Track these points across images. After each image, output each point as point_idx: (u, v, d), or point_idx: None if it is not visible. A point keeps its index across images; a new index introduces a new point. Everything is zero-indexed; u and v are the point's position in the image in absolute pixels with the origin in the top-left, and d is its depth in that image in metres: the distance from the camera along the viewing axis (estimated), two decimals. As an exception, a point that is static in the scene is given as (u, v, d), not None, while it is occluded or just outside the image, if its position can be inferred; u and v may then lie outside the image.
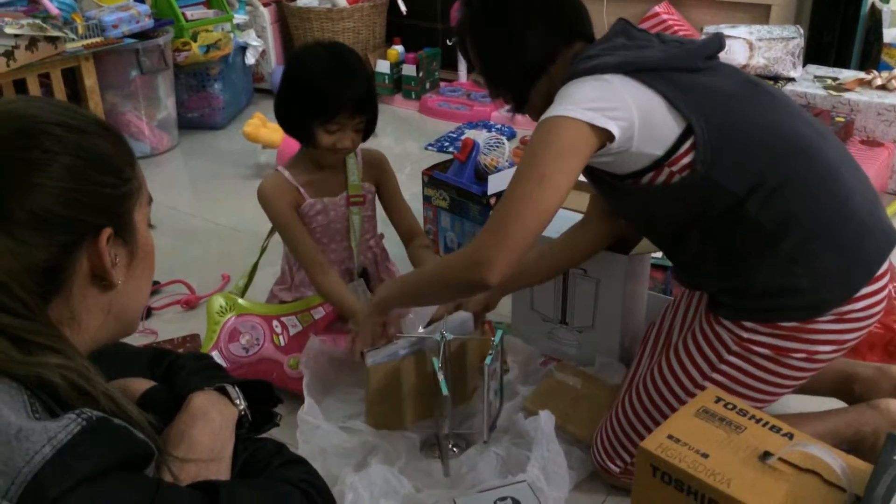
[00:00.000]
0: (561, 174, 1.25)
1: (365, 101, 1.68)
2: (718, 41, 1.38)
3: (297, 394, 1.71)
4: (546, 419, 1.50)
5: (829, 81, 2.91)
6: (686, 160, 1.28)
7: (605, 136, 1.25)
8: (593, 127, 1.24)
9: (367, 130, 1.76)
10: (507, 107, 1.51)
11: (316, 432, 1.54)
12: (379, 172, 1.87)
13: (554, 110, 1.27)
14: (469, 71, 1.55)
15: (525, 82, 1.41)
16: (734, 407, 1.20)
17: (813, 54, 3.25)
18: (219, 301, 1.81)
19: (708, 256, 1.37)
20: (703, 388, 1.35)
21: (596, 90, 1.26)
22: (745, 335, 1.34)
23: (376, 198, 1.90)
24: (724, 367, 1.37)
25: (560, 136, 1.25)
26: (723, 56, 3.09)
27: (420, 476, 1.51)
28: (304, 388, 1.61)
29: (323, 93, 1.65)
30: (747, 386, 1.36)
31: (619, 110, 1.25)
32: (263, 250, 2.00)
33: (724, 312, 1.37)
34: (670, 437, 1.14)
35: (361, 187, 1.83)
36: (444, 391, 1.44)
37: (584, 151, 1.25)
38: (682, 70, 1.30)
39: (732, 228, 1.31)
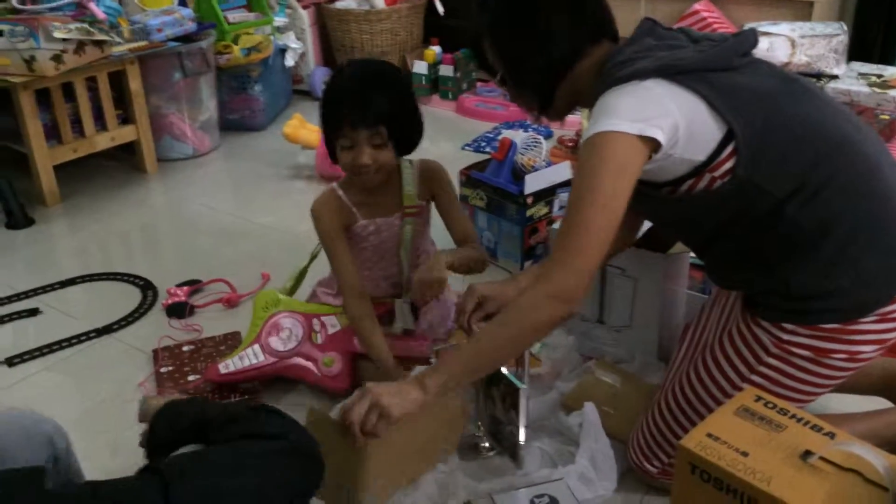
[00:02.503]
0: (618, 194, 1.23)
1: (379, 114, 1.60)
2: (753, 37, 1.36)
3: (329, 391, 1.73)
4: (591, 411, 1.52)
5: (874, 79, 2.86)
6: (728, 165, 1.26)
7: (653, 146, 1.24)
8: (641, 138, 1.22)
9: (403, 145, 1.69)
10: (530, 111, 1.47)
11: None
12: (434, 184, 1.80)
13: (600, 125, 1.23)
14: (491, 75, 1.47)
15: (551, 81, 1.39)
16: (774, 406, 1.20)
17: (857, 51, 3.19)
18: (265, 298, 1.85)
19: (745, 259, 1.35)
20: (741, 389, 1.34)
21: (638, 98, 1.24)
22: (785, 337, 1.33)
23: (430, 212, 1.86)
24: (763, 369, 1.36)
25: (612, 153, 1.22)
26: (764, 54, 3.06)
27: (479, 473, 1.53)
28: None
29: (327, 107, 1.66)
30: (786, 387, 1.35)
31: (663, 117, 1.23)
32: (314, 257, 2.02)
33: (763, 314, 1.36)
34: (710, 435, 1.14)
35: (416, 197, 1.78)
36: (521, 385, 1.46)
37: (636, 165, 1.23)
38: (718, 70, 1.28)
39: (772, 231, 1.29)
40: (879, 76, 2.88)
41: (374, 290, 1.85)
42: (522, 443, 1.52)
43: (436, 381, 1.28)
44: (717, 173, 1.27)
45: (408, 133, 1.69)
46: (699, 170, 1.27)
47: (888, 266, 1.28)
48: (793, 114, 1.29)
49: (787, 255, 1.30)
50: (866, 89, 2.76)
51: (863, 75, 2.91)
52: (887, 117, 2.64)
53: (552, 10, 1.36)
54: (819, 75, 2.91)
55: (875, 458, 1.04)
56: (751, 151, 1.25)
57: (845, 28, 2.97)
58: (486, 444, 1.60)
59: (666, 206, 1.38)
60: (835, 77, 2.91)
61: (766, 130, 1.26)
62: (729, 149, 1.25)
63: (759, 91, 1.29)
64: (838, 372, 1.33)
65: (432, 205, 1.85)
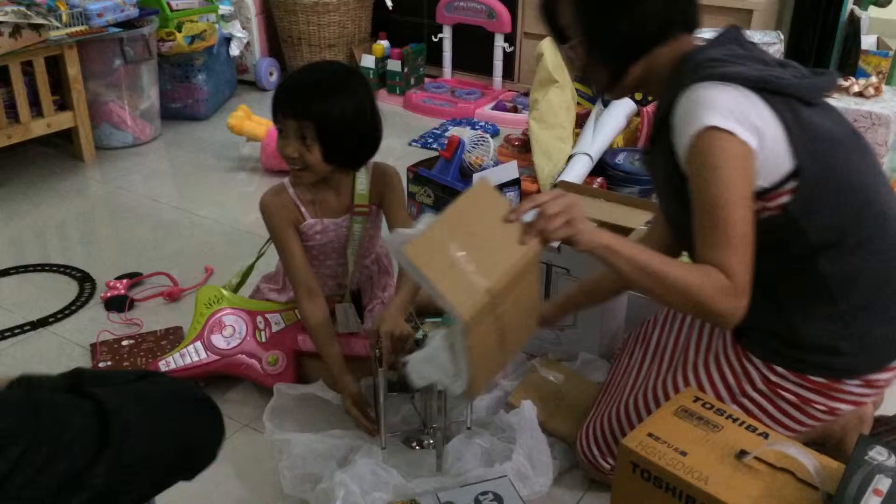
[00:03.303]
0: (745, 183, 1.20)
1: (311, 110, 1.58)
2: (834, 79, 1.34)
3: (271, 391, 1.72)
4: (529, 409, 1.55)
5: (808, 87, 2.95)
6: (782, 200, 1.24)
7: (751, 153, 1.20)
8: (742, 141, 1.18)
9: (335, 151, 1.63)
10: (596, 84, 1.39)
11: (289, 444, 1.55)
12: (383, 185, 1.78)
13: (707, 117, 1.18)
14: (559, 40, 1.38)
15: (630, 56, 1.31)
16: (712, 406, 1.24)
17: (792, 59, 3.29)
18: (208, 293, 1.82)
19: (759, 295, 1.30)
20: None
21: (738, 102, 1.20)
22: (774, 378, 1.35)
23: (382, 218, 1.83)
24: (744, 401, 1.38)
25: (729, 152, 1.18)
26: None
27: (407, 467, 1.54)
28: (266, 413, 1.63)
29: (278, 88, 1.66)
30: (764, 422, 1.36)
31: (752, 129, 1.20)
32: (261, 255, 2.00)
33: (755, 350, 1.37)
34: (650, 434, 1.18)
35: (367, 198, 1.76)
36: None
37: (745, 160, 1.20)
38: (804, 102, 1.25)
39: (797, 276, 1.30)
40: (789, 63, 2.97)
41: (320, 288, 1.84)
42: (430, 444, 1.57)
43: (613, 245, 1.21)
44: (770, 204, 1.25)
45: (347, 145, 1.64)
46: (757, 195, 1.24)
47: (889, 339, 1.32)
48: (854, 169, 1.28)
49: (802, 302, 1.31)
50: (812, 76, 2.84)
51: (798, 83, 3.01)
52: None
53: None
54: (757, 82, 2.99)
55: (806, 459, 1.08)
56: (809, 193, 1.23)
57: (782, 37, 3.06)
58: (422, 439, 1.63)
59: None
60: (772, 84, 2.99)
61: (828, 178, 1.25)
62: (791, 185, 1.23)
63: (833, 138, 1.27)
64: (814, 421, 1.37)
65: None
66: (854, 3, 3.37)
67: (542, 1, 1.38)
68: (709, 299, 1.18)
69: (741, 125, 1.18)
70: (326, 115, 1.59)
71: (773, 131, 1.21)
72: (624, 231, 1.79)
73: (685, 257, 1.57)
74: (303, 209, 1.73)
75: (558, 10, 1.35)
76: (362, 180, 1.75)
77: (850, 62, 3.28)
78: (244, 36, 3.73)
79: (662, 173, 1.34)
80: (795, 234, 1.26)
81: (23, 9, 2.62)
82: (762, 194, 1.23)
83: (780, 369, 1.34)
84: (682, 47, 1.31)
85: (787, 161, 1.22)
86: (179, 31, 3.30)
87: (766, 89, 1.21)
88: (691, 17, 1.33)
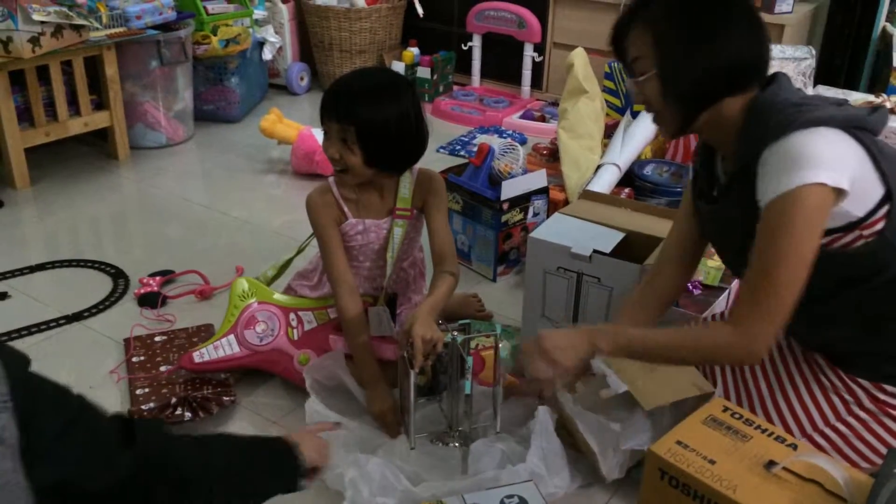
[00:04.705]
0: (814, 246, 1.23)
1: (353, 114, 1.61)
2: (887, 116, 1.36)
3: (303, 387, 1.74)
4: (543, 413, 1.55)
5: (839, 103, 2.95)
6: (878, 226, 1.26)
7: (839, 196, 1.22)
8: (835, 189, 1.20)
9: (376, 155, 1.66)
10: (667, 126, 1.38)
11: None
12: (427, 191, 1.80)
13: (798, 177, 1.20)
14: (629, 72, 1.36)
15: (703, 99, 1.31)
16: (741, 416, 1.25)
17: (823, 76, 3.29)
18: (243, 285, 1.84)
19: (853, 320, 1.36)
20: (822, 433, 1.39)
21: (830, 147, 1.22)
22: (882, 397, 1.37)
23: (422, 222, 1.85)
24: (850, 420, 1.39)
25: (809, 205, 1.20)
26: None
27: (430, 467, 1.56)
28: (309, 389, 1.68)
29: (327, 90, 1.68)
30: (865, 442, 1.38)
31: (849, 169, 1.22)
32: (301, 250, 2.03)
33: (861, 373, 1.39)
34: (679, 442, 1.19)
35: (410, 201, 1.79)
36: (468, 390, 1.50)
37: (828, 213, 1.23)
38: (874, 133, 1.28)
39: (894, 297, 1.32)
40: (845, 101, 2.97)
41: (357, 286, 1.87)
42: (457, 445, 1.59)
43: (607, 347, 1.37)
44: (865, 232, 1.27)
45: (388, 151, 1.67)
46: (854, 225, 1.26)
47: None
48: None
49: None
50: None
51: (829, 99, 3.00)
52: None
53: (732, 23, 1.28)
54: (787, 97, 2.99)
55: (835, 470, 1.09)
56: None
57: (813, 52, 3.06)
58: (447, 440, 1.65)
59: None
60: (802, 99, 2.99)
61: None
62: (884, 210, 1.25)
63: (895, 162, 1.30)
64: None
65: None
66: (886, 20, 3.36)
67: (615, 25, 1.35)
68: (714, 361, 1.43)
69: (835, 173, 1.19)
70: (368, 121, 1.62)
71: (863, 163, 1.23)
72: (651, 240, 1.80)
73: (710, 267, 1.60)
74: (345, 208, 1.76)
75: (631, 38, 1.32)
76: (406, 184, 1.78)
77: (882, 79, 3.27)
78: (277, 41, 3.78)
79: (739, 226, 1.33)
80: (890, 258, 1.28)
81: (65, 10, 2.68)
82: (856, 224, 1.25)
83: (889, 388, 1.36)
84: (749, 97, 1.30)
85: (877, 188, 1.24)
86: (215, 35, 3.35)
87: (850, 126, 1.23)
88: (764, 69, 1.32)
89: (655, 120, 1.37)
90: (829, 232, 1.26)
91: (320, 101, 1.68)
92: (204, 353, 1.78)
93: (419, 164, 1.80)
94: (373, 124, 1.62)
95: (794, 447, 1.18)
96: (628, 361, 1.49)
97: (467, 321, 1.70)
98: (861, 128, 1.25)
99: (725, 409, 1.26)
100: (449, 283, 1.73)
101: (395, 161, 1.72)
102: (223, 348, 1.78)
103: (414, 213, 1.81)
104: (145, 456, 0.95)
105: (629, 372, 1.48)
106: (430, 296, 1.68)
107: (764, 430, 1.21)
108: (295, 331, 1.82)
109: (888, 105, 2.87)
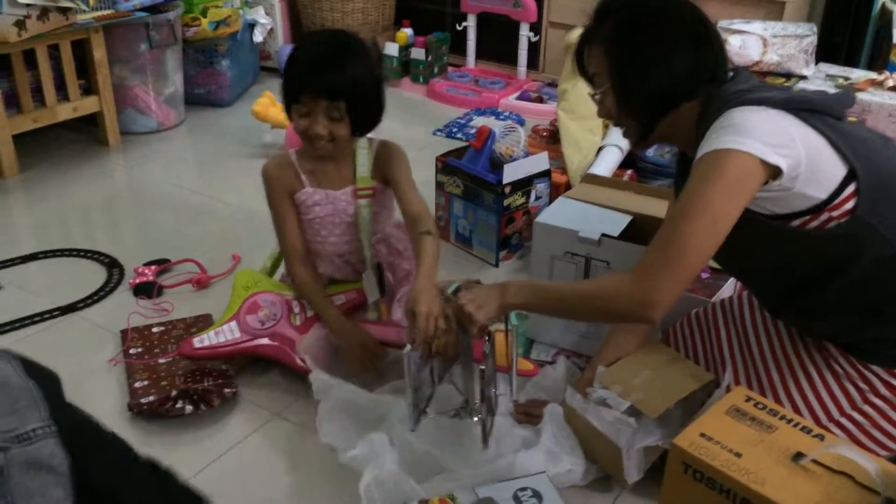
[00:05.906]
0: (727, 214, 1.22)
1: (340, 87, 1.60)
2: (852, 96, 1.38)
3: (304, 374, 1.71)
4: (553, 410, 1.53)
5: (841, 80, 2.91)
6: (847, 206, 1.25)
7: (773, 173, 1.22)
8: (763, 162, 1.20)
9: (359, 123, 1.67)
10: (628, 136, 1.44)
11: (331, 390, 1.61)
12: (388, 164, 1.78)
13: (727, 140, 1.22)
14: (591, 84, 1.42)
15: (657, 111, 1.35)
16: (765, 407, 1.22)
17: (823, 53, 3.25)
18: (247, 277, 1.83)
19: (848, 307, 1.33)
20: (837, 423, 1.35)
21: (767, 123, 1.23)
22: None
23: (389, 197, 1.83)
24: (866, 408, 1.35)
25: (731, 170, 1.20)
26: (737, 51, 3.08)
27: (449, 443, 1.53)
28: (309, 365, 1.69)
29: (291, 72, 1.65)
30: (883, 430, 1.35)
31: (787, 147, 1.22)
32: None
33: (873, 360, 1.35)
34: (703, 435, 1.15)
35: (369, 178, 1.77)
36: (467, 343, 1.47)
37: (752, 187, 1.22)
38: (832, 116, 1.28)
39: (889, 279, 1.29)
40: (846, 78, 2.94)
41: (334, 271, 1.85)
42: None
43: (516, 300, 1.41)
44: (835, 213, 1.25)
45: (368, 111, 1.68)
46: (819, 207, 1.25)
47: None
48: None
49: None
50: (834, 91, 2.81)
51: (830, 77, 2.96)
52: (854, 119, 2.69)
53: (680, 39, 1.32)
54: (789, 75, 2.96)
55: (867, 462, 1.06)
56: (871, 194, 1.24)
57: (815, 29, 3.02)
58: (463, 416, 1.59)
59: (769, 241, 1.33)
60: (804, 77, 2.95)
61: (882, 177, 1.26)
62: (850, 189, 1.24)
63: (869, 142, 1.30)
64: None
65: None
66: (887, -3, 3.32)
67: (577, 41, 1.42)
68: (608, 316, 1.41)
69: (766, 147, 1.20)
70: (357, 91, 1.63)
71: (815, 144, 1.24)
72: (657, 222, 1.75)
73: None
74: (303, 177, 1.77)
75: (588, 56, 1.40)
76: (363, 161, 1.77)
77: (882, 56, 3.24)
78: (268, 22, 3.70)
79: None
80: (871, 236, 1.26)
81: (50, -9, 2.60)
82: (823, 206, 1.24)
83: None
84: (705, 96, 1.33)
85: (838, 167, 1.24)
86: (204, 17, 3.27)
87: (797, 108, 1.25)
88: (720, 69, 1.35)
89: (623, 133, 1.44)
90: (795, 215, 1.27)
91: (290, 79, 1.64)
92: (204, 339, 1.74)
93: (375, 135, 1.79)
94: (360, 91, 1.64)
95: (821, 438, 1.15)
96: (620, 377, 1.48)
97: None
98: (810, 110, 1.25)
99: (748, 399, 1.23)
100: (431, 243, 1.65)
101: (374, 121, 1.73)
102: (224, 334, 1.74)
103: (378, 189, 1.79)
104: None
105: (626, 387, 1.44)
106: (421, 264, 1.60)
107: (790, 421, 1.18)
108: (297, 317, 1.79)
109: (890, 82, 2.84)
